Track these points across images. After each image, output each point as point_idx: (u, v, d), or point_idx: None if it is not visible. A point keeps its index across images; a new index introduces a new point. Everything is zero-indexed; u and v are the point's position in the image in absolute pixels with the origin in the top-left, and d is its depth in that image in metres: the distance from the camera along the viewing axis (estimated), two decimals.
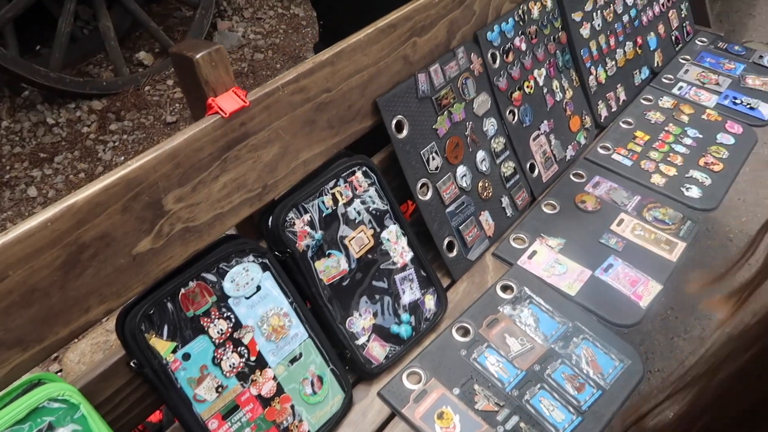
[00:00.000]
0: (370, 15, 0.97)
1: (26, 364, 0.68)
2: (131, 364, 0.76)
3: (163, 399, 0.78)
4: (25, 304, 0.66)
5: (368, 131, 1.00)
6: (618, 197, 1.19)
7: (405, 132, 1.01)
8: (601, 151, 1.31)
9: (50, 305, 0.68)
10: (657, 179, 1.23)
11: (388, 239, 0.97)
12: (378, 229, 0.97)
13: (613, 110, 1.41)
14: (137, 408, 0.82)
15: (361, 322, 0.93)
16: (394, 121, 0.99)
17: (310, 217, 0.90)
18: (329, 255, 0.91)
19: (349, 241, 0.93)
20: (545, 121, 1.24)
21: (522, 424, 0.87)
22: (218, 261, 0.82)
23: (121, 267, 0.73)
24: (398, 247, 0.99)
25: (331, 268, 0.91)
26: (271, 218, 0.87)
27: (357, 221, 0.95)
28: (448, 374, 0.92)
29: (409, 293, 0.98)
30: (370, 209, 0.96)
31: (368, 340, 0.93)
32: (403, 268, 0.99)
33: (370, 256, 0.95)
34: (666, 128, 1.36)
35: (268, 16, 2.96)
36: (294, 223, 0.88)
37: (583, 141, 1.32)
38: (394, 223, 0.99)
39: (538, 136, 1.22)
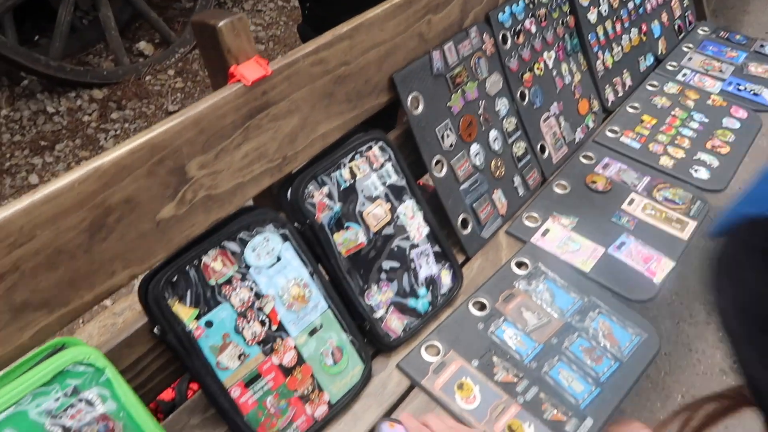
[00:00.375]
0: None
1: (51, 327, 0.68)
2: (154, 330, 0.76)
3: (186, 366, 0.78)
4: (51, 265, 0.65)
5: (380, 110, 1.01)
6: (628, 178, 1.20)
7: (420, 108, 1.01)
8: (609, 134, 1.32)
9: (76, 268, 0.68)
10: (665, 161, 1.24)
11: (404, 214, 0.98)
12: (395, 204, 0.97)
13: (619, 95, 1.42)
14: (159, 376, 0.82)
15: (378, 295, 0.93)
16: (410, 98, 1.00)
17: (329, 189, 0.90)
18: (348, 228, 0.92)
19: (367, 214, 0.94)
20: (555, 103, 1.25)
21: (542, 395, 0.87)
22: (239, 230, 0.82)
23: (145, 232, 0.73)
24: (414, 222, 0.99)
25: (349, 240, 0.92)
26: (290, 189, 0.87)
27: (374, 195, 0.95)
28: (467, 347, 0.93)
29: (426, 268, 0.98)
30: (387, 184, 0.97)
31: (386, 313, 0.93)
32: (420, 243, 0.99)
33: (387, 230, 0.95)
34: (672, 113, 1.38)
35: (268, 8, 2.96)
36: (313, 195, 0.88)
37: (591, 124, 1.33)
38: (411, 198, 0.99)
39: (548, 117, 1.23)
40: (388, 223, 0.96)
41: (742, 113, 1.38)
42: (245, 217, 0.83)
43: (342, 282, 0.90)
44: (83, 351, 0.69)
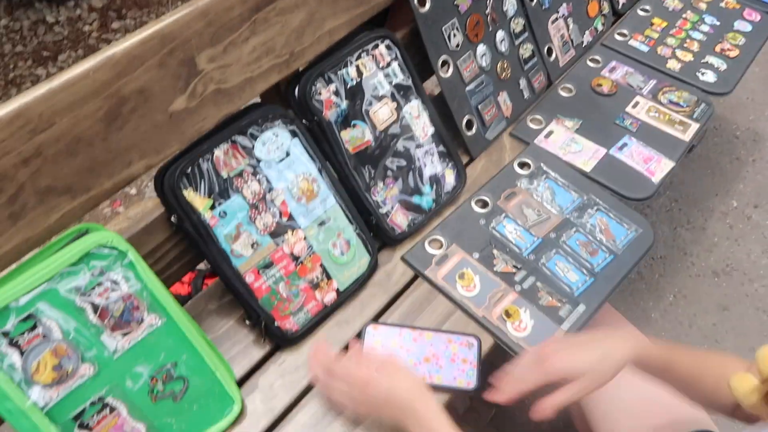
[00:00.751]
0: None
1: (75, 212, 0.72)
2: (171, 219, 0.80)
3: (203, 254, 0.82)
4: (71, 152, 0.68)
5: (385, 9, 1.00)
6: (634, 81, 1.20)
7: (427, 6, 1.00)
8: (617, 37, 1.30)
9: (94, 156, 0.71)
10: (673, 64, 1.24)
11: (410, 113, 0.99)
12: (401, 103, 0.98)
13: None
14: (177, 263, 0.87)
15: (384, 192, 0.97)
16: None
17: (336, 87, 0.91)
18: (354, 125, 0.94)
19: (373, 113, 0.95)
20: (564, 4, 1.23)
21: (538, 284, 0.92)
22: (249, 125, 0.84)
23: (159, 124, 0.75)
24: (420, 122, 1.00)
25: (356, 138, 0.94)
26: (298, 86, 0.89)
27: (380, 94, 0.96)
28: (468, 241, 0.97)
29: (430, 167, 1.01)
30: (393, 83, 0.97)
31: (392, 209, 0.97)
32: (425, 143, 1.01)
33: (392, 129, 0.97)
34: (684, 15, 1.35)
35: None
36: (320, 92, 0.90)
37: (600, 27, 1.31)
38: (417, 99, 1.00)
39: (556, 19, 1.21)
40: (394, 122, 0.98)
41: (756, 16, 1.35)
42: (255, 113, 0.85)
43: (349, 178, 0.93)
44: (106, 235, 0.74)
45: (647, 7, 1.37)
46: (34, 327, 0.69)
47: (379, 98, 0.96)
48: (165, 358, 0.78)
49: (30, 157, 0.65)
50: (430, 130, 1.01)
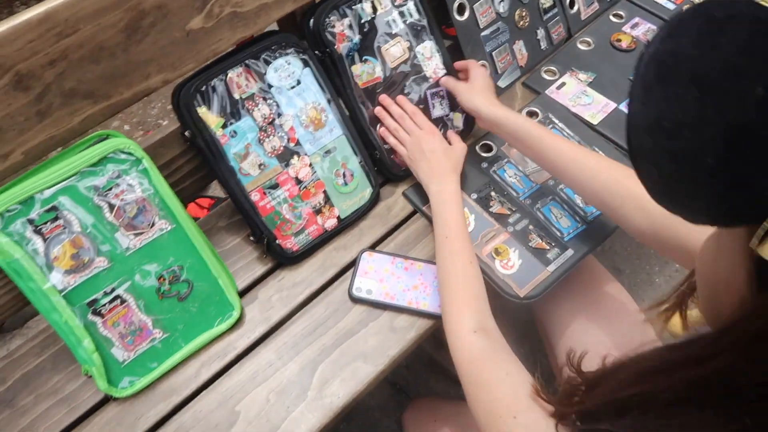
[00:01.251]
0: None
1: (95, 117, 0.78)
2: (185, 133, 0.86)
3: (213, 170, 0.88)
4: (94, 59, 0.74)
5: None
6: None
7: None
8: None
9: (115, 65, 0.76)
10: None
11: (422, 53, 1.01)
12: (413, 43, 1.01)
13: None
14: (191, 178, 0.93)
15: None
16: None
17: (350, 21, 0.94)
18: (365, 61, 0.97)
19: (385, 50, 0.98)
20: None
21: (530, 227, 0.95)
22: (263, 50, 0.88)
23: (176, 40, 0.80)
24: (432, 63, 1.03)
25: (365, 73, 0.97)
26: (313, 17, 0.92)
27: (394, 32, 0.98)
28: (468, 181, 1.00)
29: (439, 108, 1.04)
30: (407, 22, 1.00)
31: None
32: (436, 84, 1.03)
33: (403, 67, 1.00)
34: None
35: None
36: (334, 25, 0.93)
37: None
38: (430, 40, 1.02)
39: None
40: (405, 61, 1.00)
41: None
42: (269, 39, 0.89)
43: (356, 112, 0.97)
44: (124, 141, 0.80)
45: None
46: (56, 218, 0.77)
47: (392, 36, 0.98)
48: (172, 261, 0.85)
49: (56, 60, 0.71)
50: (442, 72, 1.04)
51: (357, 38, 0.95)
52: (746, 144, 0.32)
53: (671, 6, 1.25)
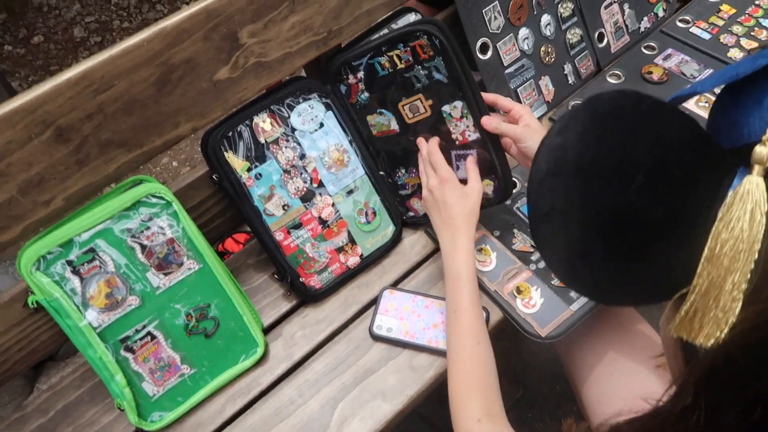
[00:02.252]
0: None
1: (130, 164, 0.84)
2: (213, 177, 0.90)
3: (239, 211, 0.92)
4: (127, 111, 0.80)
5: None
6: (688, 69, 1.17)
7: None
8: (679, 24, 1.26)
9: (147, 116, 0.82)
10: (734, 53, 1.18)
11: (449, 113, 0.94)
12: (438, 102, 0.93)
13: None
14: (219, 219, 0.97)
15: (405, 178, 1.00)
16: None
17: (362, 75, 0.93)
18: (380, 113, 0.96)
19: (402, 106, 0.94)
20: None
21: None
22: (286, 96, 0.92)
23: (204, 90, 0.85)
24: (461, 124, 0.94)
25: (381, 124, 0.97)
26: (329, 69, 0.94)
27: (414, 88, 0.93)
28: (491, 219, 1.00)
29: (462, 171, 0.95)
30: (434, 79, 0.92)
31: (411, 194, 1.01)
32: (463, 146, 0.95)
33: (423, 124, 0.95)
34: (757, 2, 1.28)
35: None
36: (348, 77, 0.94)
37: (661, 13, 1.27)
38: (461, 100, 0.92)
39: (610, 4, 1.20)
40: (426, 119, 0.94)
41: None
42: (292, 85, 0.93)
43: (373, 158, 0.99)
44: (156, 186, 0.85)
45: None
46: (92, 259, 0.82)
47: (412, 92, 0.93)
48: (200, 299, 0.89)
49: (93, 113, 0.77)
50: (473, 136, 0.93)
51: (365, 95, 0.95)
52: (630, 225, 0.34)
53: (706, 36, 1.22)
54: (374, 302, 0.95)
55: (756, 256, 0.32)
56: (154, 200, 0.85)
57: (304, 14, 0.89)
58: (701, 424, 0.36)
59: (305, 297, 0.96)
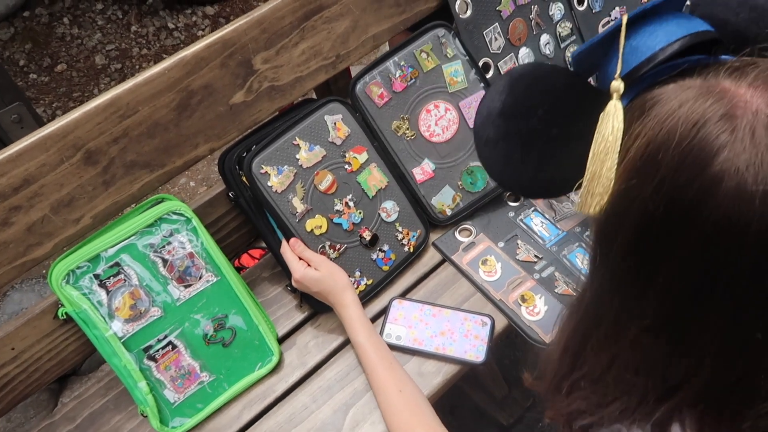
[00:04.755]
0: None
1: (152, 184, 0.89)
2: (229, 194, 0.96)
3: (254, 226, 0.97)
4: (150, 134, 0.86)
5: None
6: None
7: (469, 12, 1.08)
8: None
9: (168, 138, 0.87)
10: None
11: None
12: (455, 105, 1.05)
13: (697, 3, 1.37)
14: (235, 234, 1.03)
15: (421, 174, 1.06)
16: (458, 2, 1.07)
17: (389, 85, 1.02)
18: (403, 118, 1.03)
19: (420, 113, 1.03)
20: (617, 8, 1.25)
21: (557, 273, 0.98)
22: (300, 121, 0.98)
23: (221, 114, 0.91)
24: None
25: (404, 128, 1.03)
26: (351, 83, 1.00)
27: (432, 94, 1.04)
28: (496, 230, 1.04)
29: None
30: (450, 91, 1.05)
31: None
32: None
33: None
34: None
35: None
36: (372, 90, 1.00)
37: None
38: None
39: (608, 22, 1.24)
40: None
41: None
42: (304, 107, 0.99)
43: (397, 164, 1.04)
44: (176, 204, 0.91)
45: None
46: (118, 273, 0.88)
47: (429, 100, 1.04)
48: (218, 310, 0.93)
49: (119, 137, 0.83)
50: None
51: (393, 101, 1.02)
52: (536, 142, 0.58)
53: None
54: (384, 312, 0.99)
55: (617, 149, 0.47)
56: (174, 217, 0.91)
57: (314, 40, 0.95)
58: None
59: (317, 308, 1.01)
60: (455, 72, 1.05)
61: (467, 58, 1.07)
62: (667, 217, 0.43)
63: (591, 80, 0.62)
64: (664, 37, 0.50)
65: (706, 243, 0.42)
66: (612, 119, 0.48)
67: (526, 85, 0.56)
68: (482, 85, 1.07)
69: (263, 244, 1.06)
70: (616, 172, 0.47)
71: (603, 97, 0.49)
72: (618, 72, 0.50)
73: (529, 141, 0.56)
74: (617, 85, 0.48)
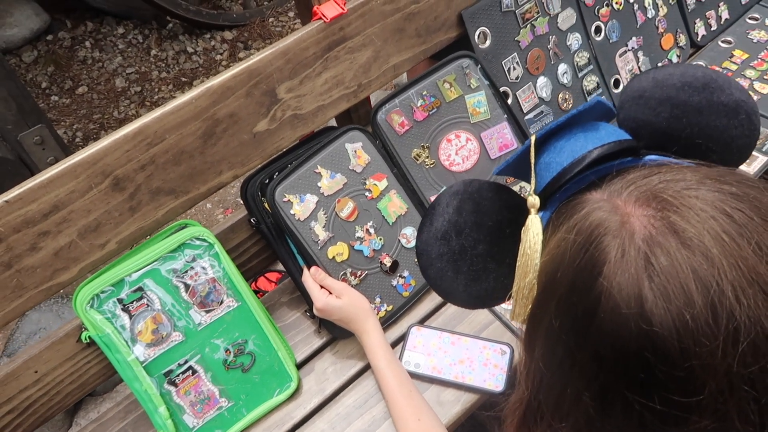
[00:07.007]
0: None
1: (176, 210, 0.91)
2: (251, 220, 0.97)
3: (275, 252, 0.98)
4: (176, 162, 0.87)
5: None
6: None
7: (488, 43, 1.10)
8: None
9: (193, 165, 0.89)
10: None
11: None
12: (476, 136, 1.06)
13: (712, 29, 1.38)
14: (256, 259, 1.03)
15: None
16: (477, 32, 1.09)
17: (410, 114, 1.03)
18: (423, 147, 1.04)
19: (441, 142, 1.05)
20: (634, 38, 1.27)
21: None
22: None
23: (245, 142, 0.92)
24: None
25: (423, 156, 1.05)
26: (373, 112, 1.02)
27: (454, 124, 1.05)
28: None
29: None
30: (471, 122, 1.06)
31: None
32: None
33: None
34: None
35: None
36: (393, 118, 1.02)
37: (675, 59, 1.33)
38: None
39: (625, 52, 1.26)
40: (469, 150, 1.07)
41: None
42: (326, 135, 1.01)
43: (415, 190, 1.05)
44: (200, 229, 0.92)
45: (730, 39, 1.36)
46: (141, 297, 0.89)
47: (451, 129, 1.05)
48: (238, 335, 0.94)
49: (146, 164, 0.85)
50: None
51: (415, 129, 1.04)
52: (466, 259, 0.58)
53: None
54: (402, 339, 0.99)
55: (537, 262, 0.48)
56: (197, 242, 0.92)
57: (336, 70, 0.97)
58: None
59: (335, 333, 1.01)
60: (478, 103, 1.07)
61: (492, 90, 1.08)
62: (566, 334, 0.44)
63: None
64: (569, 154, 0.50)
65: (599, 362, 0.42)
66: (530, 234, 0.48)
67: (457, 205, 0.57)
68: (506, 116, 1.08)
69: (280, 267, 1.07)
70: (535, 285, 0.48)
71: (524, 210, 0.51)
72: (532, 189, 0.52)
73: (460, 258, 0.57)
74: (533, 201, 0.50)
